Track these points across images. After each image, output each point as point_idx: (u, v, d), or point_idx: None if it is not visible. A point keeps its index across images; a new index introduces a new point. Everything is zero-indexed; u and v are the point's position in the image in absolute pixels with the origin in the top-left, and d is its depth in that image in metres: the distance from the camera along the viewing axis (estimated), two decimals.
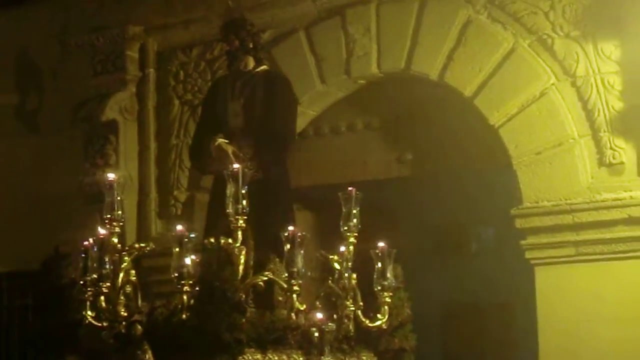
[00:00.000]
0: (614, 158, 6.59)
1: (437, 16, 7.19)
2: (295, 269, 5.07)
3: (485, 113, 6.98)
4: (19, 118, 8.72)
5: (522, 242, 6.75)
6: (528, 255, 6.75)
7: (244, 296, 5.11)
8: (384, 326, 5.48)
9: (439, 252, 8.85)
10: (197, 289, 4.95)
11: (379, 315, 5.46)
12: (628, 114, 6.59)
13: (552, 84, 6.82)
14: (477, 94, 7.01)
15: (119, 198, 5.21)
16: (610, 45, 6.67)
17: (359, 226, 5.46)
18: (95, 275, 5.09)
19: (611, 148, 6.59)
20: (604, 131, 6.62)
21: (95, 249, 5.11)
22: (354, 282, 5.40)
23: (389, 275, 5.44)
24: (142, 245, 5.31)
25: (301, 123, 7.54)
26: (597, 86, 6.68)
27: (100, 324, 5.13)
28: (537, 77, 6.86)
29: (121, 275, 5.10)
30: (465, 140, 7.19)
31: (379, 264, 5.45)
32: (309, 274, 5.38)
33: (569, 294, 6.58)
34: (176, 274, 4.93)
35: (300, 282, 5.09)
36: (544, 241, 6.69)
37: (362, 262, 5.55)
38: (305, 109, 7.59)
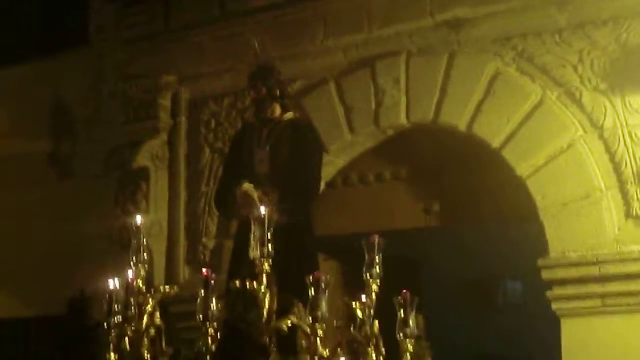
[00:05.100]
0: None
1: (465, 68, 7.24)
2: (319, 313, 5.07)
3: (512, 164, 7.00)
4: (52, 164, 8.84)
5: (548, 293, 6.74)
6: (554, 306, 6.73)
7: (268, 339, 5.12)
8: None
9: (465, 304, 8.84)
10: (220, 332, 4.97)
11: None
12: None
13: (580, 136, 6.83)
14: (504, 145, 7.04)
15: (145, 241, 5.28)
16: (638, 98, 6.68)
17: (382, 274, 5.46)
18: (120, 318, 5.14)
19: (638, 200, 6.58)
20: (631, 183, 6.62)
21: (121, 291, 5.16)
22: (376, 329, 5.40)
23: (411, 323, 5.44)
24: (167, 288, 5.35)
25: (330, 172, 7.60)
26: (624, 139, 6.69)
27: None
28: (564, 129, 6.88)
29: (145, 317, 5.14)
30: (493, 191, 7.21)
31: (401, 312, 5.45)
32: (335, 322, 5.39)
33: (594, 346, 6.54)
34: (201, 316, 4.97)
35: (324, 326, 5.09)
36: (570, 292, 6.67)
37: (387, 310, 5.56)
38: (334, 158, 7.64)
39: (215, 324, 4.95)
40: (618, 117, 6.73)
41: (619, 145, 6.69)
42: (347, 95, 7.65)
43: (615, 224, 6.65)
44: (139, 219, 5.33)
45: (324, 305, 5.08)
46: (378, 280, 5.47)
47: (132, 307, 5.16)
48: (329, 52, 7.74)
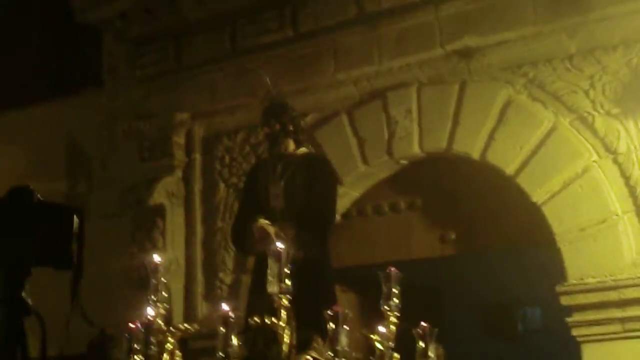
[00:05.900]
0: None
1: (477, 97, 7.27)
2: (339, 347, 5.07)
3: (528, 191, 7.00)
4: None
5: (568, 319, 6.72)
6: (574, 332, 6.71)
7: None
8: None
9: (485, 331, 8.81)
10: None
11: None
12: None
13: (594, 161, 6.84)
14: (519, 172, 7.04)
15: (163, 280, 5.30)
16: None
17: (401, 305, 5.46)
18: (140, 357, 5.15)
19: None
20: None
21: (141, 330, 5.17)
22: None
23: (430, 354, 5.44)
24: (187, 326, 5.37)
25: (344, 204, 7.62)
26: (639, 162, 6.69)
27: None
28: (578, 154, 6.89)
29: (166, 356, 5.15)
30: (509, 218, 7.20)
31: (421, 343, 5.45)
32: (354, 354, 5.39)
33: None
34: (221, 354, 4.97)
35: None
36: (590, 318, 6.65)
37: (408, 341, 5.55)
38: (348, 189, 7.66)
39: None
40: (632, 141, 6.73)
41: (633, 169, 6.69)
42: (360, 126, 7.68)
43: (632, 248, 6.63)
44: (157, 257, 5.35)
45: (343, 339, 5.08)
46: (396, 312, 5.48)
47: (152, 346, 5.17)
48: (341, 85, 7.78)
